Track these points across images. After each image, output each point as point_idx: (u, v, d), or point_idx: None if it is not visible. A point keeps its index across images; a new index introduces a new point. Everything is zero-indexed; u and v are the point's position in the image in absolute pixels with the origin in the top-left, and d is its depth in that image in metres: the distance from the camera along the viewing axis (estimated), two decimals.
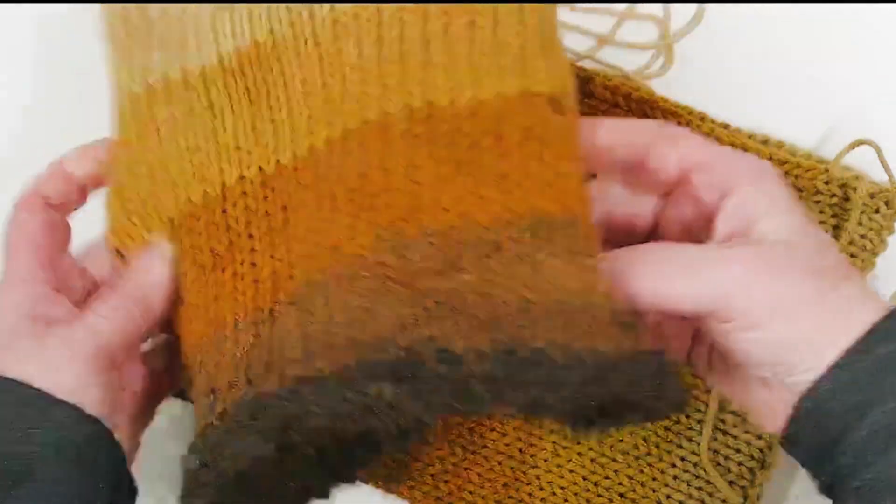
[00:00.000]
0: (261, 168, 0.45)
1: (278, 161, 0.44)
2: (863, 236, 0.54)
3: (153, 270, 0.44)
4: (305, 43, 0.46)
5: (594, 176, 0.45)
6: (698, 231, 0.41)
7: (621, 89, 0.56)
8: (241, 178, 0.45)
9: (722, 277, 0.38)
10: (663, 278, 0.38)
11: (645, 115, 0.56)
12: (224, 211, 0.45)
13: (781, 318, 0.37)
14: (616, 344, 0.37)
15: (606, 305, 0.38)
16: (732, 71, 0.59)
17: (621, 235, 0.44)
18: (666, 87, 0.58)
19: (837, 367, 0.37)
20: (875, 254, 0.54)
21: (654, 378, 0.37)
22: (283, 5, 0.46)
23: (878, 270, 0.54)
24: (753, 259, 0.38)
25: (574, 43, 0.60)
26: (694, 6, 0.60)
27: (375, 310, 0.38)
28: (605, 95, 0.56)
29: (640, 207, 0.44)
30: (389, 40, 0.44)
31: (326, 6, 0.45)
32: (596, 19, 0.60)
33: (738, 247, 0.39)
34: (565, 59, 0.43)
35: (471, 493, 0.55)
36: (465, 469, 0.55)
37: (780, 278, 0.37)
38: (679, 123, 0.56)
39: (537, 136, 0.40)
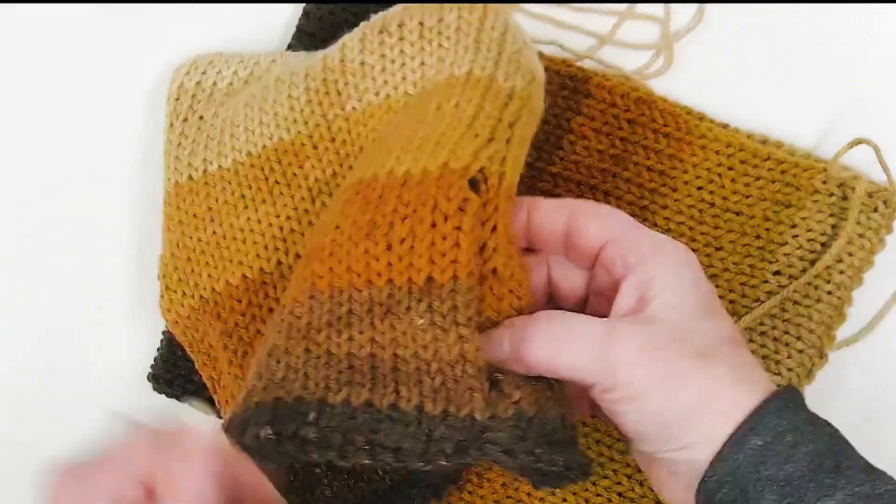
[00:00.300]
0: (298, 255, 0.51)
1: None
2: (861, 235, 0.54)
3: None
4: (322, 139, 0.53)
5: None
6: (612, 302, 0.43)
7: (619, 89, 0.56)
8: (279, 263, 0.52)
9: (608, 351, 0.40)
10: (555, 346, 0.40)
11: (644, 115, 0.56)
12: (266, 295, 0.51)
13: (658, 394, 0.40)
14: (487, 410, 0.39)
15: (479, 373, 0.40)
16: (732, 71, 0.59)
17: (564, 303, 0.46)
18: (666, 87, 0.58)
19: (719, 461, 0.39)
20: (873, 253, 0.54)
21: (534, 443, 0.39)
22: (305, 108, 0.53)
23: (877, 270, 0.54)
24: (639, 337, 0.40)
25: (574, 43, 0.60)
26: (694, 6, 0.60)
27: (278, 359, 0.41)
28: (603, 95, 0.56)
29: (576, 278, 0.46)
30: (384, 126, 0.50)
31: (338, 108, 0.52)
32: (596, 19, 0.60)
33: (628, 324, 0.41)
34: (515, 143, 0.45)
35: (470, 492, 0.55)
36: (464, 468, 0.55)
37: (661, 357, 0.40)
38: (679, 123, 0.56)
39: (441, 207, 0.42)
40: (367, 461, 0.38)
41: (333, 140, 0.52)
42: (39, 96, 0.62)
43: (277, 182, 0.53)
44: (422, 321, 0.40)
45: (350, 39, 0.53)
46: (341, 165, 0.52)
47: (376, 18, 0.53)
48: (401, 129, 0.47)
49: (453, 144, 0.43)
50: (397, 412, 0.38)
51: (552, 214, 0.44)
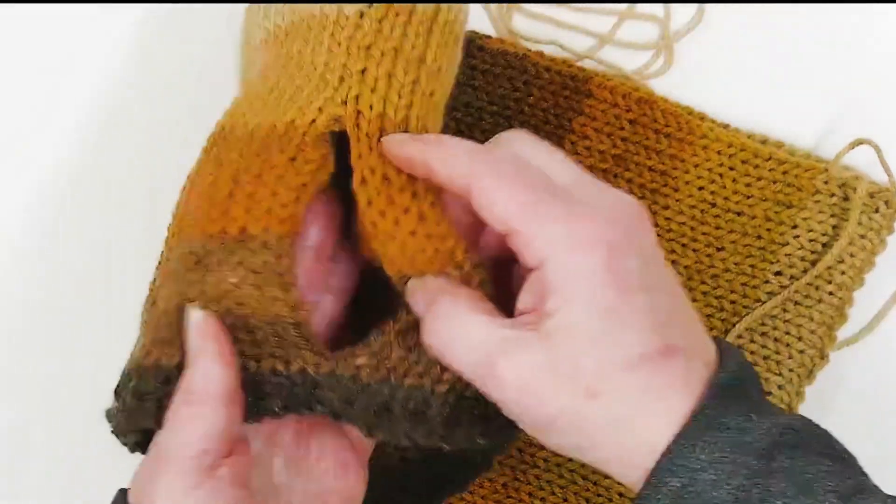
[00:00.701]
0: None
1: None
2: (862, 236, 0.54)
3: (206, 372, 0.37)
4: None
5: None
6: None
7: (620, 89, 0.56)
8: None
9: (493, 369, 0.36)
10: (443, 344, 0.37)
11: (645, 116, 0.56)
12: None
13: (547, 432, 0.36)
14: (323, 365, 0.38)
15: (301, 330, 0.38)
16: (732, 71, 0.59)
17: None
18: (666, 87, 0.58)
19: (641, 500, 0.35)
20: (874, 253, 0.54)
21: (362, 412, 0.37)
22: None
23: (877, 270, 0.54)
24: (525, 366, 0.35)
25: (574, 43, 0.60)
26: (694, 6, 0.60)
27: (139, 330, 0.41)
28: (605, 95, 0.56)
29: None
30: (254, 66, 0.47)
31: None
32: (596, 19, 0.60)
33: (518, 342, 0.36)
34: (378, 64, 0.42)
35: (471, 492, 0.55)
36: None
37: (547, 392, 0.35)
38: (680, 123, 0.56)
39: (272, 159, 0.40)
40: None
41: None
42: (39, 96, 0.62)
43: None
44: (234, 279, 0.38)
45: None
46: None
47: None
48: (264, 73, 0.44)
49: (303, 99, 0.41)
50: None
51: (452, 175, 0.38)
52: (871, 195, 0.54)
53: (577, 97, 0.57)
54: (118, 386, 0.40)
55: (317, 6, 0.44)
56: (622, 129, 0.56)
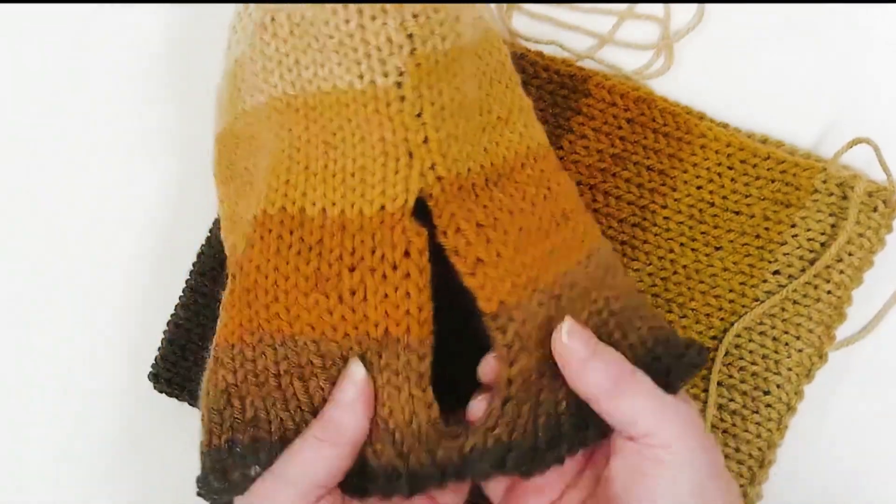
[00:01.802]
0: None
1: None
2: (861, 235, 0.54)
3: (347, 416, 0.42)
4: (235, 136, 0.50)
5: None
6: None
7: (618, 88, 0.56)
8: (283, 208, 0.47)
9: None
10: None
11: (644, 115, 0.56)
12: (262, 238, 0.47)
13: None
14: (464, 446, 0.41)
15: (435, 425, 0.41)
16: (732, 71, 0.59)
17: None
18: (666, 87, 0.59)
19: None
20: (873, 252, 0.54)
21: (514, 466, 0.40)
22: (227, 103, 0.50)
23: (876, 270, 0.54)
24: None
25: (574, 43, 0.60)
26: (694, 6, 0.60)
27: (241, 398, 0.43)
28: (603, 95, 0.56)
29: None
30: (277, 135, 0.46)
31: (240, 105, 0.49)
32: (596, 19, 0.60)
33: None
34: (437, 127, 0.43)
35: None
36: None
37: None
38: (678, 123, 0.56)
39: (388, 257, 0.42)
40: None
41: (237, 137, 0.50)
42: (48, 100, 0.62)
43: (228, 168, 0.51)
44: (379, 382, 0.41)
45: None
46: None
47: (255, 10, 0.47)
48: (308, 147, 0.44)
49: (379, 181, 0.42)
50: (377, 464, 0.41)
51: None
52: (870, 194, 0.54)
53: (575, 97, 0.57)
54: (245, 458, 0.42)
55: (336, 79, 0.43)
56: (620, 128, 0.56)
